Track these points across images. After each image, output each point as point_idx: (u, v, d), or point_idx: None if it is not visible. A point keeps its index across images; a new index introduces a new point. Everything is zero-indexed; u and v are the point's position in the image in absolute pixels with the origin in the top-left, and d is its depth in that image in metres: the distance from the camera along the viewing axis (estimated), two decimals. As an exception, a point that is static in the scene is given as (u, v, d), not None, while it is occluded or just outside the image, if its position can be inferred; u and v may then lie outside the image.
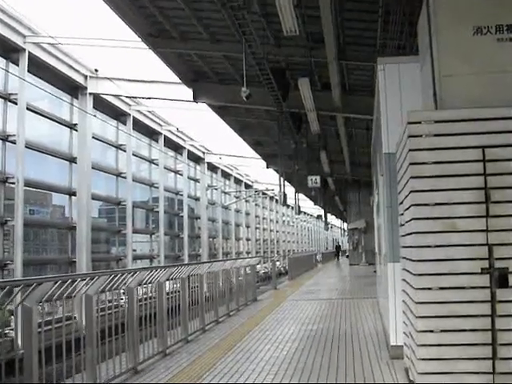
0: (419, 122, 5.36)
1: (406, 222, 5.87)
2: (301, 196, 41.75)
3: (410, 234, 5.50)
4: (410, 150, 5.34)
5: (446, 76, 5.70)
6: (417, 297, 5.26)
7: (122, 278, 7.50)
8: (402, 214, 6.31)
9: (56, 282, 5.75)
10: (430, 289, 5.22)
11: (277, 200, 48.53)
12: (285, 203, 29.31)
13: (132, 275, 7.65)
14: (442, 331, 5.16)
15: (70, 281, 5.93)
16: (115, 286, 7.12)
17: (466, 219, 5.20)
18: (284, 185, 26.91)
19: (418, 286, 5.25)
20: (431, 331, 5.17)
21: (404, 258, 6.37)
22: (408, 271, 5.89)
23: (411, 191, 5.32)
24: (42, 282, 5.45)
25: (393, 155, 7.32)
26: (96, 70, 21.06)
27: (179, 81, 19.62)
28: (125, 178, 25.31)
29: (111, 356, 7.42)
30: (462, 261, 5.18)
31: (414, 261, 5.36)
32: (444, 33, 5.75)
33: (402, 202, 6.34)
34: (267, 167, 34.58)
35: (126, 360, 7.47)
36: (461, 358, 5.09)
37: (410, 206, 5.43)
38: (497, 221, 5.14)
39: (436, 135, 5.32)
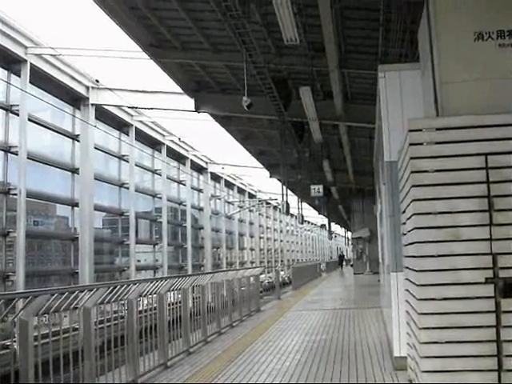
0: (420, 130, 5.28)
1: (409, 231, 5.78)
2: (304, 205, 41.67)
3: (413, 243, 5.41)
4: (411, 158, 5.25)
5: (446, 82, 5.62)
6: (420, 307, 5.15)
7: (122, 289, 7.44)
8: (405, 224, 6.21)
9: (53, 295, 5.67)
10: (433, 299, 5.11)
11: (280, 209, 48.49)
12: (287, 212, 29.24)
13: (132, 287, 7.54)
14: (445, 342, 5.05)
15: (67, 293, 5.85)
16: (114, 298, 7.04)
17: (469, 228, 5.10)
18: (287, 194, 26.85)
19: (421, 297, 5.15)
20: (435, 343, 5.06)
21: (407, 267, 6.27)
22: (411, 281, 5.79)
23: (413, 200, 5.23)
24: (38, 294, 5.36)
25: (394, 163, 7.24)
26: (97, 81, 21.04)
27: (181, 91, 19.59)
28: (127, 188, 25.27)
29: (111, 369, 7.34)
30: (466, 270, 5.08)
31: (416, 271, 5.26)
32: (444, 38, 5.67)
33: (404, 211, 6.24)
34: (270, 177, 34.54)
35: (126, 373, 7.37)
36: (465, 370, 4.98)
37: (411, 215, 5.34)
38: (501, 229, 5.03)
39: (437, 143, 5.23)
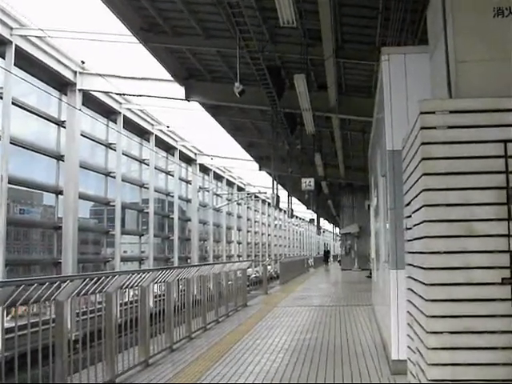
0: (433, 112, 4.75)
1: (415, 224, 5.26)
2: (294, 200, 41.27)
3: (421, 238, 4.89)
4: (423, 144, 4.72)
5: (462, 62, 5.10)
6: (428, 310, 4.63)
7: (107, 280, 6.92)
8: (409, 217, 5.70)
9: (19, 286, 5.13)
10: (443, 301, 4.60)
11: (269, 203, 48.13)
12: (277, 205, 28.81)
13: (113, 279, 6.98)
14: (456, 349, 4.54)
15: (36, 285, 5.31)
16: (92, 290, 6.50)
17: (485, 222, 4.59)
18: (277, 187, 26.42)
19: (430, 298, 4.63)
20: (445, 349, 4.55)
21: (410, 264, 5.76)
22: (416, 280, 5.27)
23: (423, 190, 4.70)
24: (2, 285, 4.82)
25: (397, 153, 6.74)
26: (83, 62, 20.37)
27: (171, 78, 19.07)
28: (114, 177, 24.71)
29: (86, 366, 6.81)
30: (480, 269, 4.57)
31: (424, 268, 4.73)
32: (460, 15, 5.16)
33: (409, 203, 5.73)
34: (260, 169, 34.07)
35: (103, 371, 6.83)
36: (478, 380, 4.47)
37: (421, 207, 4.82)
38: (520, 225, 4.54)
39: (451, 127, 4.71)
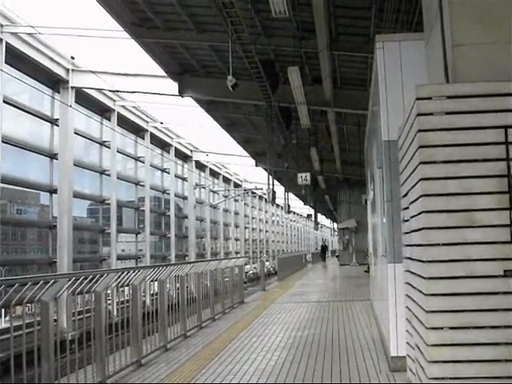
0: (430, 98, 4.53)
1: (412, 216, 5.05)
2: (291, 196, 41.12)
3: (419, 229, 4.68)
4: (420, 131, 4.51)
5: (459, 45, 4.88)
6: (428, 304, 4.42)
7: (102, 279, 6.72)
8: (407, 208, 5.49)
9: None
10: (443, 295, 4.39)
11: (266, 199, 47.96)
12: (273, 201, 28.66)
13: (99, 277, 6.75)
14: (457, 345, 4.33)
15: (17, 284, 5.10)
16: (78, 290, 6.28)
17: (486, 212, 4.37)
18: (273, 183, 26.26)
19: (430, 292, 4.41)
20: (445, 345, 4.34)
21: (409, 258, 5.55)
22: (415, 274, 5.06)
23: (421, 179, 4.48)
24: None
25: (393, 143, 6.52)
26: (72, 58, 20.11)
27: (165, 74, 18.87)
28: (109, 175, 24.51)
29: (79, 368, 6.60)
30: (482, 261, 4.35)
31: (423, 261, 4.52)
32: (457, -4, 4.94)
33: (406, 195, 5.52)
34: (256, 165, 33.92)
35: (94, 372, 6.62)
36: (480, 377, 4.26)
37: (419, 197, 4.60)
38: (522, 214, 4.32)
39: (449, 113, 4.50)
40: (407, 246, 5.72)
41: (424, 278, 4.51)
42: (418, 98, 4.56)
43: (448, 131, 4.47)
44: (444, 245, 4.43)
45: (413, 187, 4.92)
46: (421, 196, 4.52)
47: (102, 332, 6.63)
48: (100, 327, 6.63)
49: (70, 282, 5.97)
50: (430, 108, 4.52)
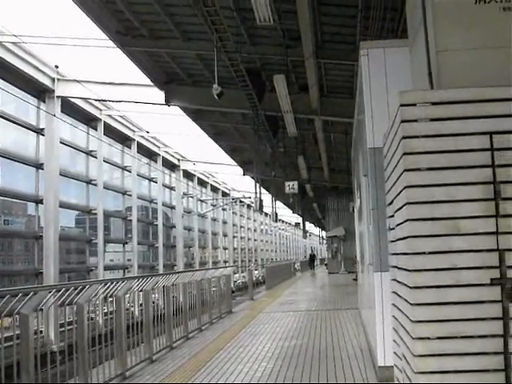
0: (414, 105, 4.47)
1: (398, 224, 4.98)
2: (279, 204, 41.08)
3: (404, 238, 4.60)
4: (404, 138, 4.43)
5: (442, 51, 4.82)
6: (414, 314, 4.34)
7: (76, 292, 6.59)
8: (392, 216, 5.41)
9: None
10: (429, 304, 4.31)
11: (254, 208, 47.88)
12: (261, 209, 28.62)
13: (81, 289, 6.64)
14: (444, 355, 4.25)
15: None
16: (60, 301, 6.17)
17: (472, 220, 4.29)
18: (260, 191, 26.21)
19: (416, 302, 4.33)
20: (432, 355, 4.26)
21: (395, 266, 5.47)
22: (401, 282, 4.99)
23: (406, 186, 4.41)
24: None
25: (379, 150, 6.47)
26: (56, 67, 19.99)
27: (151, 83, 18.79)
28: (96, 185, 24.35)
29: (61, 382, 6.48)
30: (468, 270, 4.27)
31: (409, 270, 4.44)
32: (440, 1, 4.89)
33: (391, 202, 5.45)
34: (244, 174, 33.85)
35: (76, 386, 6.51)
36: (468, 388, 4.19)
37: (403, 205, 4.52)
38: (508, 221, 4.23)
39: (434, 119, 4.43)
40: (393, 254, 5.65)
41: (410, 287, 4.43)
42: (401, 105, 4.50)
43: (433, 138, 4.39)
44: (429, 253, 4.34)
45: (398, 195, 4.85)
46: (406, 204, 4.45)
47: (85, 344, 6.51)
48: (82, 339, 6.51)
49: (50, 294, 5.85)
50: (414, 114, 4.45)
